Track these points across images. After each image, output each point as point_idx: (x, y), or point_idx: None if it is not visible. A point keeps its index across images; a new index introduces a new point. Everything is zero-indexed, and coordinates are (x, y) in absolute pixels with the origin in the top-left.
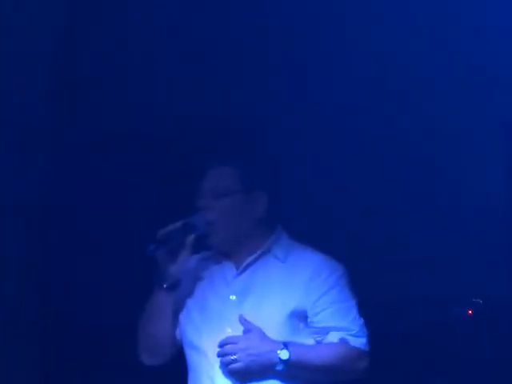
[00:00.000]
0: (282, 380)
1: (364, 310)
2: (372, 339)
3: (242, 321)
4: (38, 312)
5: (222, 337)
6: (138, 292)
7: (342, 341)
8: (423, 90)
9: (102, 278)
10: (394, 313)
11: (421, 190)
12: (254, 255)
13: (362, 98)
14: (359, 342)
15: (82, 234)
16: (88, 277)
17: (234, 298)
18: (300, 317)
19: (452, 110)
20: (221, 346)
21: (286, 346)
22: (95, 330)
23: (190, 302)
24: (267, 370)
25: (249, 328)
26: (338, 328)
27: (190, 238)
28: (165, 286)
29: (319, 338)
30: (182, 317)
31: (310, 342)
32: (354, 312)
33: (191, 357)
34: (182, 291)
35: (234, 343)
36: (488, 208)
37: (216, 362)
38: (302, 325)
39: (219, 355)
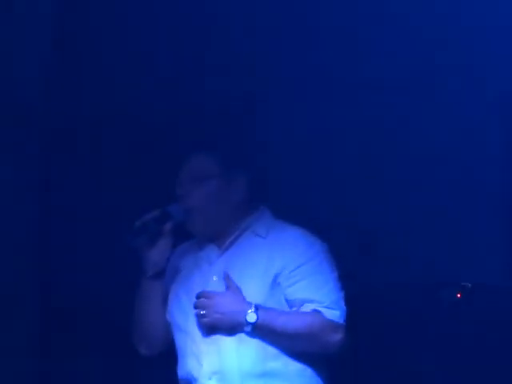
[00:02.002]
0: (256, 343)
1: (352, 291)
2: (360, 321)
3: (225, 278)
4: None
5: None
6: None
7: (314, 311)
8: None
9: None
10: (382, 295)
11: (412, 173)
12: (235, 234)
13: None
14: (332, 314)
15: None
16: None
17: (216, 278)
18: (281, 289)
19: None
20: (196, 297)
21: (256, 308)
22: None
23: (179, 288)
24: (236, 330)
25: (228, 286)
26: (310, 300)
27: (168, 226)
28: (148, 275)
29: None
30: (171, 301)
31: None
32: (331, 285)
33: (179, 339)
34: (170, 279)
35: (207, 298)
36: (481, 190)
37: (201, 342)
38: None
39: (194, 306)
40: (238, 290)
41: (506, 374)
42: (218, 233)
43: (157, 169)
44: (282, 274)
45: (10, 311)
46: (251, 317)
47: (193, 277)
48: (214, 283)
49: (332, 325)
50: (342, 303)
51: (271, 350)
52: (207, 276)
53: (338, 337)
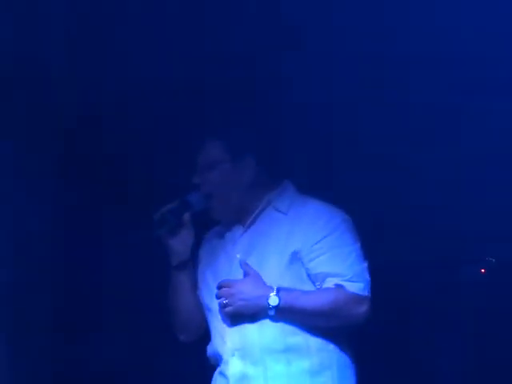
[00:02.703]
0: (278, 322)
1: (377, 266)
2: (383, 296)
3: (243, 265)
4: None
5: None
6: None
7: (337, 286)
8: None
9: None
10: (407, 270)
11: (435, 146)
12: (256, 211)
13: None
14: (355, 286)
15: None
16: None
17: (239, 256)
18: (301, 263)
19: None
20: (218, 288)
21: (278, 291)
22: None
23: (206, 269)
24: (260, 314)
25: (247, 272)
26: (333, 274)
27: (187, 215)
28: (173, 265)
29: (319, 286)
30: (200, 283)
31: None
32: (353, 257)
33: (208, 319)
34: (198, 264)
35: (228, 287)
36: (502, 165)
37: (225, 320)
38: (304, 271)
39: (216, 297)
40: (258, 275)
41: None
42: (240, 213)
43: (168, 167)
44: (303, 248)
45: (20, 310)
46: (273, 300)
47: (219, 257)
48: (238, 261)
49: (356, 297)
50: (366, 274)
51: (292, 326)
52: (231, 255)
53: (362, 309)
